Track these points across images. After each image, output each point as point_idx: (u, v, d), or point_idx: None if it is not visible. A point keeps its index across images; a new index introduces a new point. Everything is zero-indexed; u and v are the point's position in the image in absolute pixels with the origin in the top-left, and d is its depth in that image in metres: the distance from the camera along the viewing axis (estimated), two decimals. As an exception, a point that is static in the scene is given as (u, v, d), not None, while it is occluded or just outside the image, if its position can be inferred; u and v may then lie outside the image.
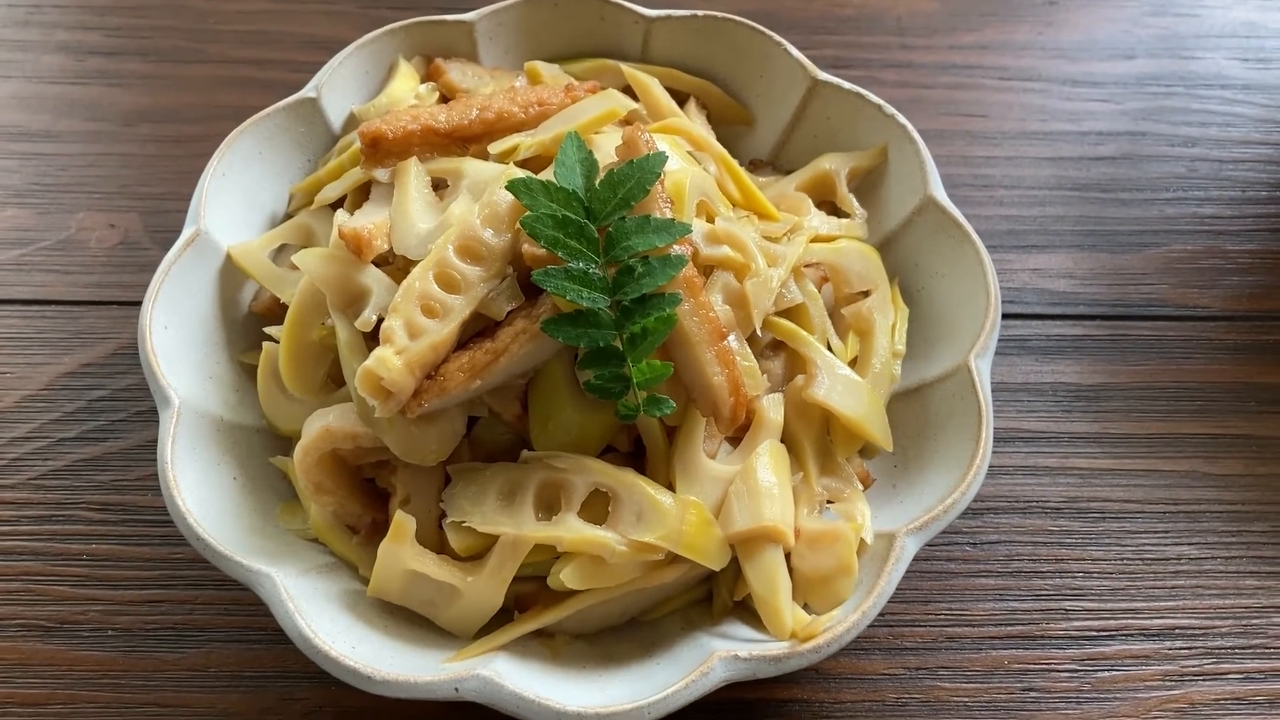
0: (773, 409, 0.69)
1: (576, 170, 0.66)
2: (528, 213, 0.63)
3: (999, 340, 0.83)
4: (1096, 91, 1.04)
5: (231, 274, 0.77)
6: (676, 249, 0.65)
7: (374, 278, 0.68)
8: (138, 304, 0.72)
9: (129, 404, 0.84)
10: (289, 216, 0.81)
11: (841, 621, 0.63)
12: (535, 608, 0.67)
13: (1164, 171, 0.99)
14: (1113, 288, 0.92)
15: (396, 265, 0.69)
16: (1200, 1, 1.11)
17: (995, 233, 0.95)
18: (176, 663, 0.73)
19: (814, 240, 0.76)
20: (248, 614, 0.75)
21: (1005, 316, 0.89)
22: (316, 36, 1.06)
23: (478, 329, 0.66)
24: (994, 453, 0.81)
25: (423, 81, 0.84)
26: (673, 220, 0.65)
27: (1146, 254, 0.94)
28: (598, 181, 0.66)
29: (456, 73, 0.84)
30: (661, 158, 0.65)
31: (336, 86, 0.82)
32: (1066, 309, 0.91)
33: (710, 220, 0.71)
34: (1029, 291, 0.92)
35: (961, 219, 0.76)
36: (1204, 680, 0.74)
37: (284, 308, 0.73)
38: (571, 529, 0.63)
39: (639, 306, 0.63)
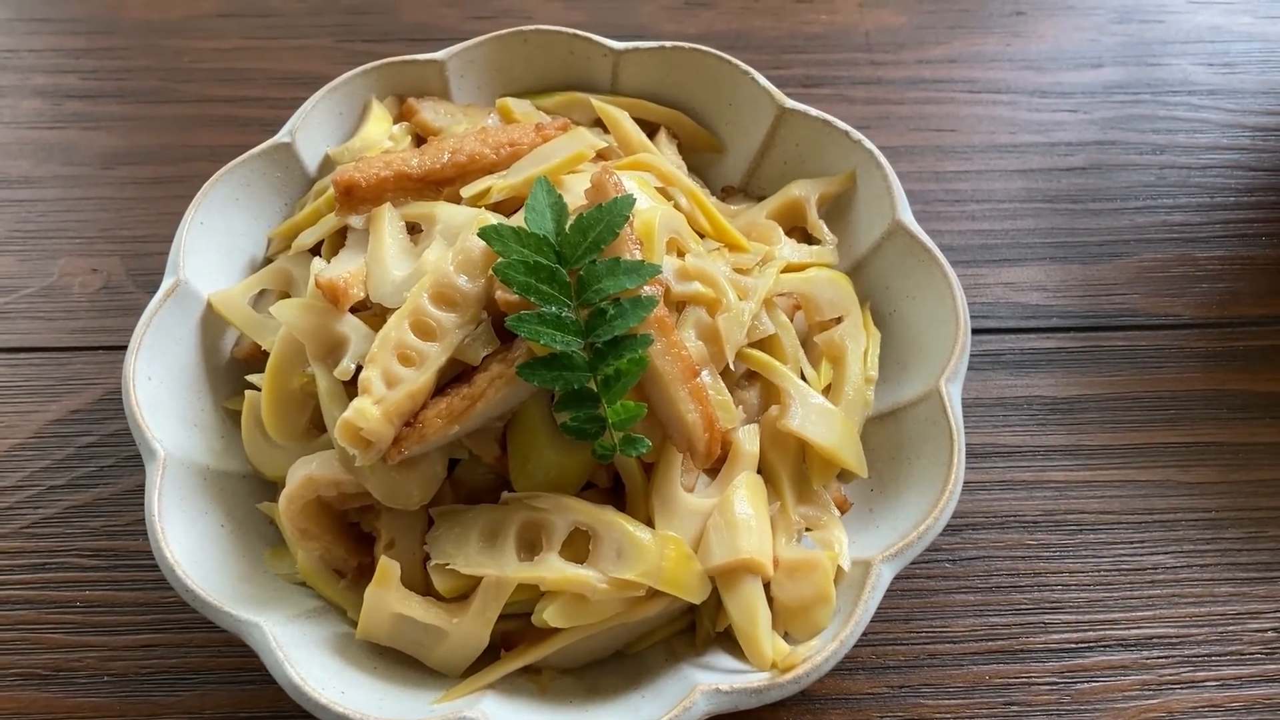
0: (748, 440, 0.70)
1: (547, 215, 0.67)
2: (500, 259, 0.64)
3: (973, 356, 0.84)
4: (1065, 102, 1.05)
5: (213, 321, 0.78)
6: (647, 290, 0.65)
7: (352, 326, 0.69)
8: (124, 348, 0.73)
9: (118, 449, 0.85)
10: (268, 261, 0.81)
11: (820, 651, 0.64)
12: (521, 645, 0.68)
13: (1133, 180, 1.00)
14: (1085, 299, 0.93)
15: (374, 311, 0.70)
16: (1165, 7, 1.12)
17: (968, 247, 0.95)
18: (172, 706, 0.74)
19: (785, 269, 0.77)
20: (241, 656, 0.75)
21: (979, 332, 0.90)
22: (291, 72, 1.06)
23: (455, 374, 0.67)
24: (972, 468, 0.83)
25: (396, 121, 0.84)
26: (642, 262, 0.65)
27: (1118, 264, 0.95)
28: (568, 225, 0.66)
29: (430, 111, 0.84)
30: (629, 200, 0.66)
31: (310, 130, 0.82)
32: (1040, 322, 0.92)
33: (681, 256, 0.72)
34: (1002, 306, 0.92)
35: (929, 243, 0.77)
36: (1181, 688, 0.75)
37: (266, 354, 0.73)
38: (553, 568, 0.64)
39: (612, 348, 0.64)
